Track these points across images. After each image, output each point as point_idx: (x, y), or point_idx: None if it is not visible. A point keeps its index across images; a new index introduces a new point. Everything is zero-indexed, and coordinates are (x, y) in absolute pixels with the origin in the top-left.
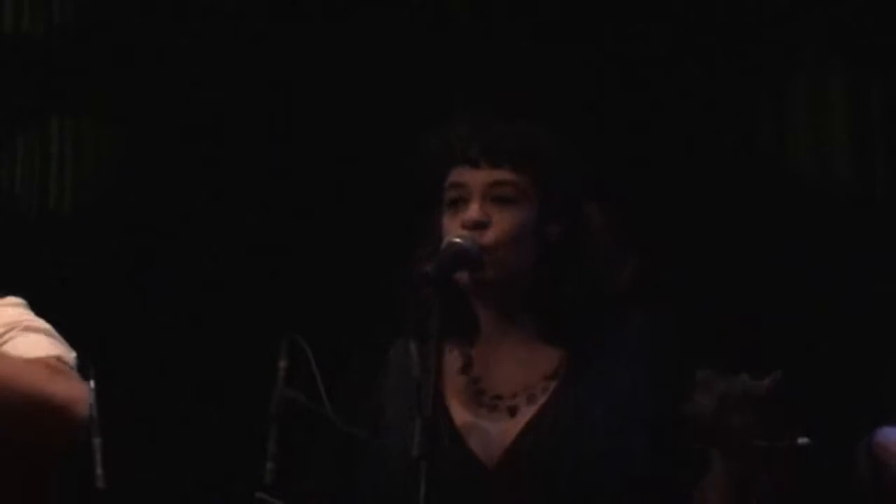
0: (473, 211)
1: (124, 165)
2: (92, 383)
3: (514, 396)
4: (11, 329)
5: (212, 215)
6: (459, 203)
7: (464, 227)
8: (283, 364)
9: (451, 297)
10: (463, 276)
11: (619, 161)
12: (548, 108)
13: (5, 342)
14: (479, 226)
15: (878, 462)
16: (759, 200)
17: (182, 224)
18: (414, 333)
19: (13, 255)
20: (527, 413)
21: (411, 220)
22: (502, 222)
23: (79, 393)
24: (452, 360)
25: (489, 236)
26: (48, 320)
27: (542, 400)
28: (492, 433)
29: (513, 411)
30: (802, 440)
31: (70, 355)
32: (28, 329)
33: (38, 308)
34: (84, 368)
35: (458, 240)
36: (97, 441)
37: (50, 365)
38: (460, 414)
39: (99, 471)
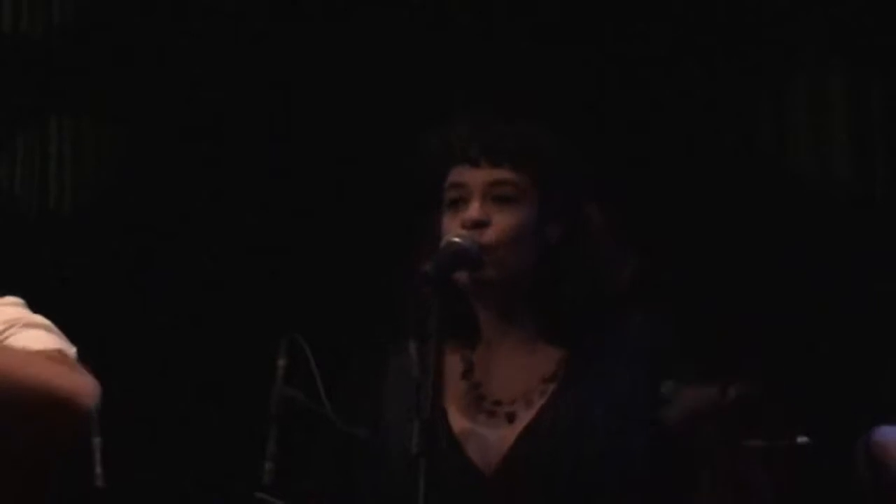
0: (473, 210)
1: (124, 165)
2: None
3: (513, 402)
4: (11, 326)
5: (212, 215)
6: (459, 203)
7: (463, 226)
8: (282, 363)
9: (450, 298)
10: (462, 276)
11: (619, 161)
12: (548, 108)
13: (5, 339)
14: (479, 225)
15: (877, 461)
16: (759, 200)
17: (182, 224)
18: (414, 333)
19: (13, 255)
20: (524, 418)
21: (411, 220)
22: (502, 222)
23: (84, 385)
24: (454, 364)
25: (489, 235)
26: (48, 320)
27: (539, 404)
28: (490, 440)
29: (511, 417)
30: (802, 440)
31: (71, 350)
32: (28, 325)
33: (38, 308)
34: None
35: (457, 239)
36: (96, 440)
37: (54, 358)
38: (458, 420)
39: (98, 470)
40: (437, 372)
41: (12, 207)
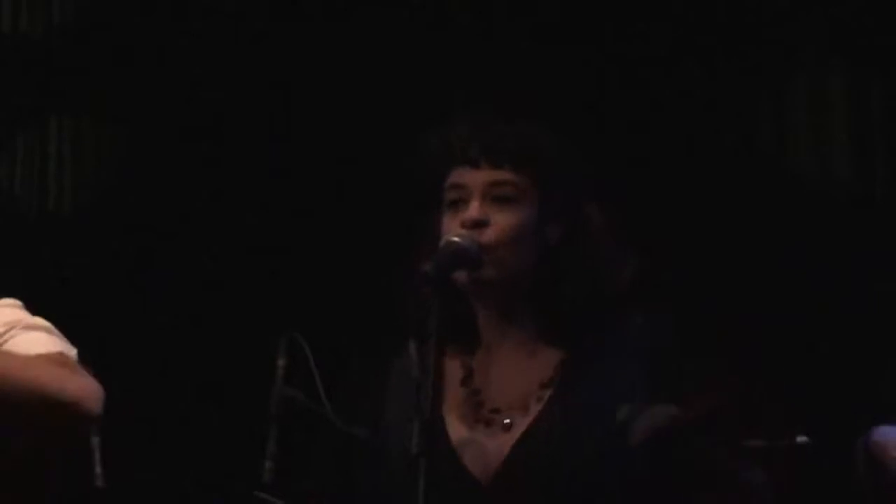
0: (473, 210)
1: (124, 165)
2: None
3: (511, 410)
4: (11, 328)
5: (212, 215)
6: (459, 204)
7: (463, 226)
8: (281, 362)
9: (450, 299)
10: (461, 276)
11: (619, 161)
12: (548, 108)
13: (6, 341)
14: (479, 225)
15: (876, 461)
16: (759, 200)
17: (182, 224)
18: (414, 333)
19: (13, 255)
20: (521, 426)
21: (411, 220)
22: (502, 222)
23: (89, 389)
24: (454, 370)
25: (488, 235)
26: (48, 320)
27: (535, 410)
28: (487, 449)
29: (507, 426)
30: (801, 439)
31: (72, 351)
32: (28, 327)
33: (38, 308)
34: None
35: (456, 239)
36: (96, 440)
37: (56, 360)
38: (457, 429)
39: (98, 470)
40: (437, 373)
41: (12, 208)
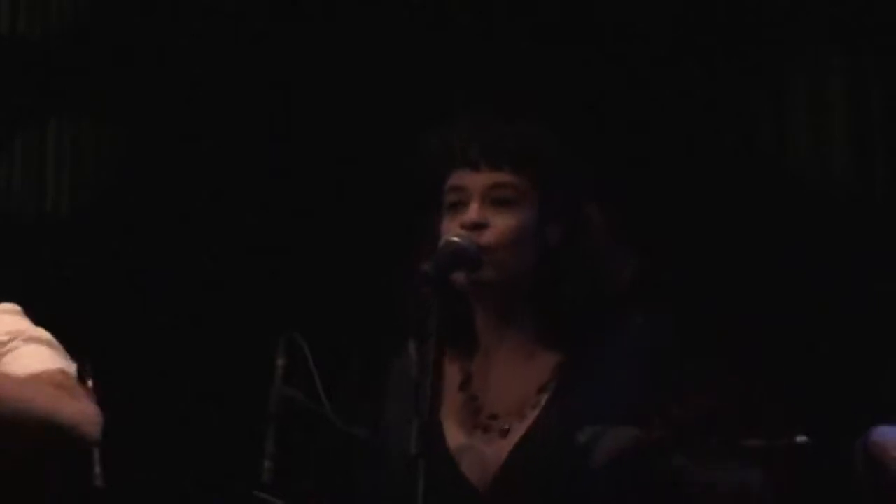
0: (472, 211)
1: (123, 166)
2: (91, 383)
3: (508, 415)
4: (14, 339)
5: (212, 215)
6: (459, 206)
7: (462, 228)
8: (280, 362)
9: (449, 299)
10: (460, 277)
11: (619, 161)
12: (548, 108)
13: (8, 351)
14: (478, 226)
15: (876, 461)
16: (759, 200)
17: (182, 224)
18: (413, 333)
19: (12, 255)
20: (518, 431)
21: (411, 220)
22: (501, 224)
23: (88, 414)
24: (452, 374)
25: (488, 236)
26: (48, 321)
27: (532, 416)
28: (484, 456)
29: (504, 432)
30: (801, 439)
31: (71, 367)
32: (30, 340)
33: (38, 309)
34: (83, 368)
35: (455, 238)
36: None
37: (57, 382)
38: (455, 435)
39: (97, 470)
40: (436, 374)
41: (11, 208)
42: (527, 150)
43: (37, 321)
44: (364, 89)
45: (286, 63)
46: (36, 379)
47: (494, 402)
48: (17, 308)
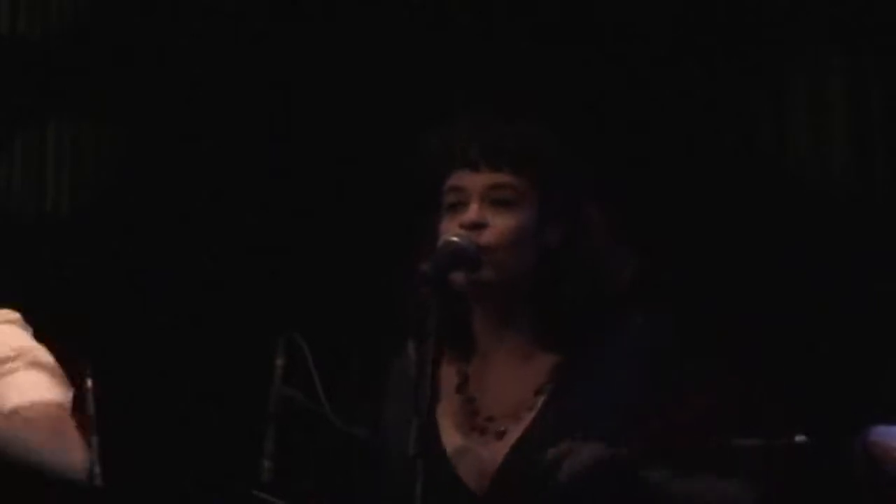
0: (472, 212)
1: (123, 165)
2: (90, 383)
3: (505, 417)
4: (16, 358)
5: (212, 215)
6: (458, 207)
7: (462, 228)
8: (280, 362)
9: (449, 300)
10: (459, 277)
11: (619, 161)
12: (548, 108)
13: (9, 371)
14: (477, 227)
15: (874, 461)
16: (759, 200)
17: (182, 224)
18: (413, 333)
19: (11, 256)
20: (515, 433)
21: (411, 220)
22: (501, 224)
23: (75, 460)
24: (450, 377)
25: (487, 236)
26: (48, 321)
27: (528, 418)
28: (481, 458)
29: (501, 435)
30: (800, 439)
31: (68, 397)
32: (32, 365)
33: (38, 309)
34: (83, 368)
35: (454, 238)
36: (95, 439)
37: (53, 416)
38: (451, 437)
39: (97, 469)
40: (435, 374)
41: (11, 208)
42: (527, 150)
43: (37, 322)
44: (364, 89)
45: (286, 63)
46: (31, 410)
47: (491, 405)
48: (17, 316)
